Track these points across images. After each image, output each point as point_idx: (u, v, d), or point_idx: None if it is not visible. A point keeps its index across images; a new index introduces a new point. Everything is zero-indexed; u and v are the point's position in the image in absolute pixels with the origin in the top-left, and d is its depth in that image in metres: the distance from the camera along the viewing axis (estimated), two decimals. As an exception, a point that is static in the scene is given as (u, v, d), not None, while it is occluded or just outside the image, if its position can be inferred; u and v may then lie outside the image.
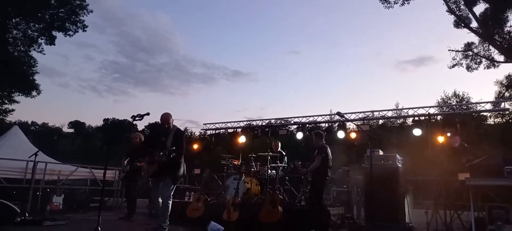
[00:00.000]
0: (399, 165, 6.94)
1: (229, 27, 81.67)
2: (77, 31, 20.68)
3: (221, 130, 14.23)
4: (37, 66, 20.48)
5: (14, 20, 19.37)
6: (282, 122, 13.21)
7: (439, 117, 11.16)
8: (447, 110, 11.59)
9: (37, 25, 19.96)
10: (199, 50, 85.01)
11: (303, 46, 73.71)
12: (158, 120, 5.64)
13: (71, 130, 49.04)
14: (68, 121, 52.14)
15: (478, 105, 10.52)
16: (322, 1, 69.14)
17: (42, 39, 20.37)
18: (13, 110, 23.01)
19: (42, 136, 34.26)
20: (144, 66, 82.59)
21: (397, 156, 7.01)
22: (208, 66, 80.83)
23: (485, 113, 19.37)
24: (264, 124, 13.45)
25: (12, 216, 6.33)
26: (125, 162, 7.82)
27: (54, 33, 20.45)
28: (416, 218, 7.90)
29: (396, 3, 19.85)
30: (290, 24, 71.25)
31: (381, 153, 7.18)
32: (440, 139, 9.48)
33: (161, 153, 5.21)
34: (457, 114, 10.27)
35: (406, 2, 19.74)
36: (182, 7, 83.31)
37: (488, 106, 10.34)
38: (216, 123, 14.45)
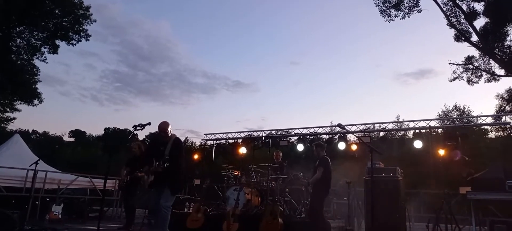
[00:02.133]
0: (400, 178, 6.92)
1: (229, 37, 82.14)
2: (80, 41, 20.81)
3: (222, 140, 14.24)
4: (39, 74, 20.59)
5: (18, 29, 19.52)
6: (283, 133, 13.23)
7: (440, 130, 11.16)
8: (448, 123, 11.60)
9: (40, 34, 20.11)
10: (200, 59, 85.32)
11: (303, 58, 73.90)
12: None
13: (72, 139, 49.11)
14: (69, 129, 52.37)
15: (479, 118, 10.54)
16: (322, 13, 69.61)
17: (45, 48, 20.50)
18: (14, 118, 23.05)
19: (43, 145, 34.25)
20: (145, 76, 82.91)
21: (398, 168, 6.99)
22: (209, 76, 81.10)
23: (486, 127, 19.32)
24: (264, 134, 13.46)
25: (10, 225, 6.31)
26: (125, 171, 7.80)
27: (57, 42, 20.58)
28: (417, 232, 7.86)
29: (397, 17, 20.01)
30: (290, 36, 71.59)
31: (382, 165, 7.16)
32: (441, 152, 9.47)
33: (158, 163, 5.18)
34: (458, 127, 10.27)
35: (406, 16, 19.88)
36: (183, 16, 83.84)
37: (489, 119, 10.36)
38: (216, 133, 14.49)
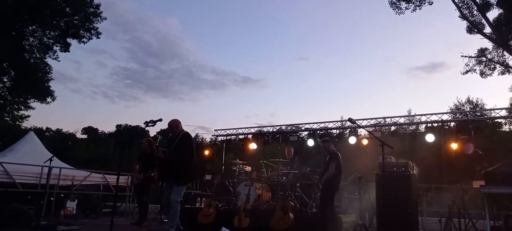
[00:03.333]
0: (412, 172, 6.86)
1: (238, 33, 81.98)
2: (91, 38, 20.98)
3: (232, 136, 14.30)
4: (52, 73, 20.87)
5: (30, 28, 19.79)
6: (293, 128, 13.20)
7: (452, 124, 11.02)
8: (460, 117, 11.45)
9: (52, 33, 20.33)
10: (209, 56, 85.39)
11: (311, 53, 73.44)
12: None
13: (85, 136, 49.72)
14: (82, 126, 52.81)
15: (492, 111, 10.38)
16: (331, 8, 68.99)
17: (57, 46, 20.73)
18: (28, 116, 23.41)
19: (57, 142, 34.71)
20: (155, 72, 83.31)
21: (410, 163, 6.93)
22: (218, 72, 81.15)
23: (500, 120, 19.03)
24: (274, 130, 13.46)
25: (27, 221, 6.46)
26: (137, 166, 7.92)
27: (68, 40, 20.81)
28: (429, 226, 7.80)
29: (408, 9, 19.69)
30: (299, 31, 71.14)
31: (393, 159, 7.11)
32: (454, 145, 9.36)
33: (162, 150, 5.41)
34: (470, 121, 10.13)
35: (417, 8, 19.57)
36: (191, 13, 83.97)
37: (503, 112, 10.19)
38: (227, 129, 14.54)
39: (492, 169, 7.03)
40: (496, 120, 17.00)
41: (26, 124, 24.51)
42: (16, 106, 21.65)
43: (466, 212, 6.87)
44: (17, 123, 23.10)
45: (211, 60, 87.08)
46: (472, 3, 18.94)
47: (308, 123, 12.84)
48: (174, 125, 5.67)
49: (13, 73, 19.53)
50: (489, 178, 6.69)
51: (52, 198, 9.06)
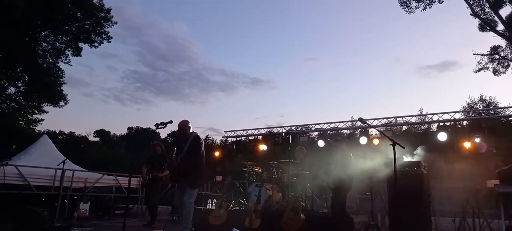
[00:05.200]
0: (424, 172, 6.78)
1: (246, 35, 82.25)
2: (102, 43, 21.24)
3: (242, 137, 14.33)
4: (64, 77, 21.17)
5: (43, 33, 20.14)
6: (303, 129, 13.16)
7: (465, 122, 10.87)
8: (473, 115, 11.28)
9: (64, 38, 20.65)
10: (217, 58, 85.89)
11: (320, 53, 73.25)
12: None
13: (97, 139, 50.31)
14: (94, 129, 53.52)
15: (506, 109, 10.21)
16: (340, 7, 68.70)
17: (69, 50, 21.04)
18: (42, 120, 23.73)
19: (69, 145, 35.15)
20: (164, 75, 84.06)
21: (422, 162, 6.85)
22: (227, 74, 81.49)
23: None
24: (284, 131, 13.45)
25: (41, 223, 6.55)
26: (145, 169, 8.03)
27: (80, 45, 21.11)
28: (443, 226, 7.69)
29: (418, 8, 19.48)
30: (307, 32, 70.95)
31: (405, 159, 7.04)
32: (467, 144, 9.23)
33: (174, 156, 5.38)
34: (484, 119, 9.98)
35: (427, 7, 19.36)
36: (199, 16, 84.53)
37: (517, 110, 9.99)
38: (237, 130, 14.58)
39: (506, 168, 6.90)
40: (510, 118, 16.70)
41: (39, 128, 24.89)
42: (30, 111, 21.99)
43: (480, 211, 6.76)
44: (31, 126, 23.46)
45: (220, 62, 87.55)
46: (484, 0, 18.67)
47: (318, 123, 12.80)
48: (184, 126, 5.63)
49: (26, 78, 19.88)
50: (504, 177, 6.57)
51: (65, 200, 9.18)
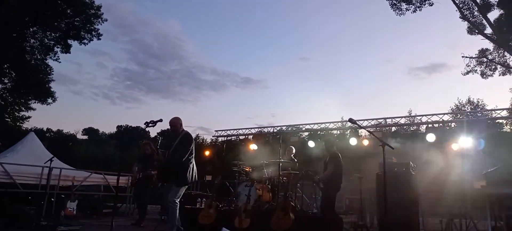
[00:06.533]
0: (413, 173, 6.84)
1: (238, 34, 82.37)
2: (92, 40, 21.05)
3: (233, 137, 14.30)
4: (53, 74, 20.90)
5: (31, 29, 19.85)
6: (294, 129, 13.19)
7: (453, 124, 11.01)
8: (461, 117, 11.42)
9: (53, 34, 20.40)
10: (209, 57, 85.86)
11: (312, 53, 73.72)
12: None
13: (85, 137, 49.77)
14: (82, 127, 52.87)
15: (493, 112, 10.36)
16: (331, 8, 69.16)
17: (58, 47, 20.81)
18: (29, 117, 23.45)
19: (57, 142, 34.70)
20: (155, 74, 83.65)
21: (411, 163, 6.92)
22: (219, 73, 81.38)
23: (501, 120, 18.98)
24: (275, 130, 13.46)
25: (28, 221, 6.44)
26: (136, 168, 7.95)
27: (69, 41, 20.88)
28: (430, 227, 7.76)
29: (408, 10, 19.67)
30: (299, 32, 71.36)
31: (394, 160, 7.09)
32: (455, 146, 9.34)
33: (162, 151, 5.34)
34: (471, 121, 10.11)
35: (418, 9, 19.54)
36: (192, 14, 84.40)
37: (504, 113, 10.17)
38: (227, 130, 14.55)
39: (493, 169, 7.00)
40: (497, 120, 16.97)
41: (26, 125, 24.58)
42: (17, 108, 21.71)
43: (467, 212, 6.84)
44: (18, 123, 23.12)
45: (212, 61, 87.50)
46: (473, 4, 18.94)
47: (309, 124, 12.84)
48: (176, 123, 5.56)
49: (14, 74, 19.58)
50: (491, 179, 6.67)
51: (52, 199, 9.04)
